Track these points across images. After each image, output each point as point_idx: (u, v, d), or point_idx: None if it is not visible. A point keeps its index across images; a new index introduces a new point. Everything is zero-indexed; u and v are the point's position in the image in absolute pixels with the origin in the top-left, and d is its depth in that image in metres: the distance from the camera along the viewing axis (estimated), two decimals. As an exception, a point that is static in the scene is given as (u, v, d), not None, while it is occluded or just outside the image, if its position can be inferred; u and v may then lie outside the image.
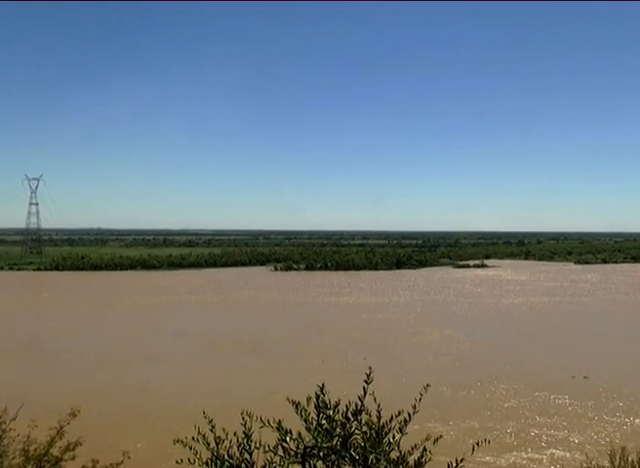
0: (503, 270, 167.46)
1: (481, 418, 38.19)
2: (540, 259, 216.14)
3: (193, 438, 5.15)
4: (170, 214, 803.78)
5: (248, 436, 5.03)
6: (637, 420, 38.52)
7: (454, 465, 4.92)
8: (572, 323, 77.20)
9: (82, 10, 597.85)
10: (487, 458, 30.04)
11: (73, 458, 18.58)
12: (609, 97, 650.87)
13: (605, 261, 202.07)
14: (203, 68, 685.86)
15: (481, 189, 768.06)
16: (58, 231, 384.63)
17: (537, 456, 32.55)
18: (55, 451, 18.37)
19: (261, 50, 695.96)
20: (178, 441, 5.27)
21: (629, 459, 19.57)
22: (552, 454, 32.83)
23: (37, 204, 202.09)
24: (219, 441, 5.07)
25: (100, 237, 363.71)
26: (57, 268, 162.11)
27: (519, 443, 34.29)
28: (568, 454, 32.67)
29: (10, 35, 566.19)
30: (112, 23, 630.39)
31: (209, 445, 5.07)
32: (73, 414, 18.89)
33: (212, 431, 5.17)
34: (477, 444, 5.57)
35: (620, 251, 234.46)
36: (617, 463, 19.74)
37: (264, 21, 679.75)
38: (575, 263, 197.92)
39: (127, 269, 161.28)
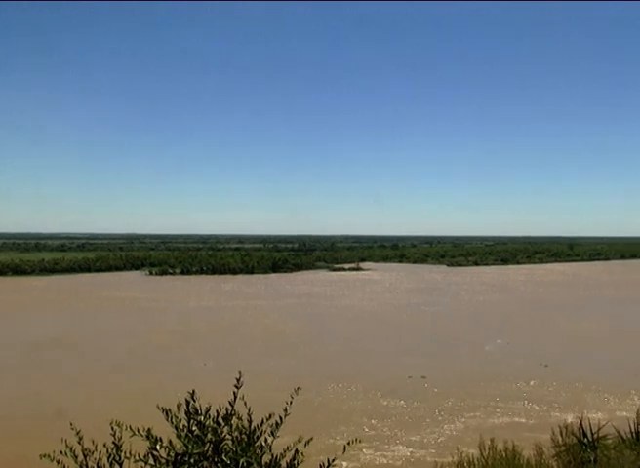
0: (376, 273, 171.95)
1: (313, 422, 37.94)
2: (414, 262, 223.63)
3: (61, 451, 5.00)
4: (45, 217, 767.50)
5: (118, 446, 4.95)
6: (472, 413, 40.38)
7: (325, 465, 5.09)
8: (422, 323, 78.82)
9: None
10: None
11: None
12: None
13: (476, 264, 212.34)
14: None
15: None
16: None
17: (376, 454, 33.29)
18: None
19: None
20: (44, 455, 5.10)
21: (497, 449, 20.70)
22: (394, 451, 33.72)
23: None
24: (87, 453, 4.95)
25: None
26: None
27: (356, 445, 34.31)
28: (408, 452, 33.62)
29: None
30: None
31: (77, 458, 4.95)
32: None
33: (79, 443, 5.04)
34: (348, 443, 5.75)
35: (490, 253, 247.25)
36: (485, 453, 20.84)
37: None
38: (447, 266, 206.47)
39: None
